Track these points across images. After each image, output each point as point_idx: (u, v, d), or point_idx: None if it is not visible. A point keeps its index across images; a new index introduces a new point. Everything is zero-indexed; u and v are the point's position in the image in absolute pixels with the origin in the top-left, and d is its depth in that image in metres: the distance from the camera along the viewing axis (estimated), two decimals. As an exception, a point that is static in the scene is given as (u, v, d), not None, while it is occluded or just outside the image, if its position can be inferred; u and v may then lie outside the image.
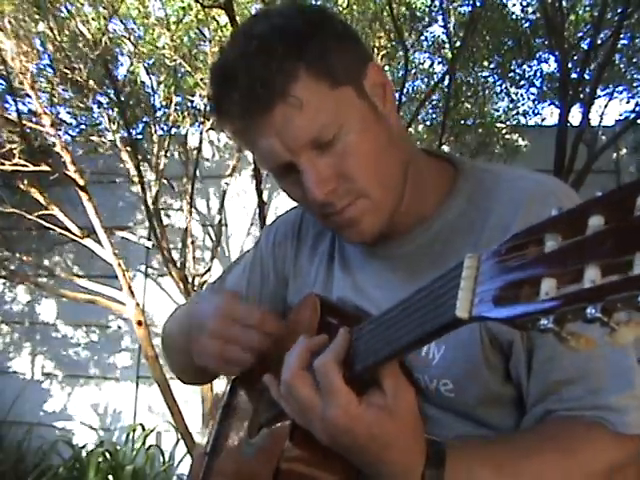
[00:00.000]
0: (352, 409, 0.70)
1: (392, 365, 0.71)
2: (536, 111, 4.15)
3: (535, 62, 3.99)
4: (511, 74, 4.02)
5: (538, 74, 4.02)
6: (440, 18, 3.86)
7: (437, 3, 3.85)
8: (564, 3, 3.58)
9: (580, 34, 3.85)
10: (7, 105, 3.90)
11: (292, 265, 1.11)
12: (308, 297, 0.97)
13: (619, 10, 3.40)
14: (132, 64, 4.02)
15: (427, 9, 3.91)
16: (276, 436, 0.88)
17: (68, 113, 4.25)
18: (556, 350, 0.82)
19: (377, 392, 0.71)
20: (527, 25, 3.86)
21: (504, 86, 4.09)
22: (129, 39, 3.87)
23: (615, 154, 4.01)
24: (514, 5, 3.87)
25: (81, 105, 3.97)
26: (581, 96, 3.55)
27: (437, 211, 0.93)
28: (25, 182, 3.87)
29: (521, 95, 4.10)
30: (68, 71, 3.72)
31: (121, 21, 3.86)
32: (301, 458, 0.82)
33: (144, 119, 4.22)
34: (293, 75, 0.79)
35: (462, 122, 4.08)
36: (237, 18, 3.09)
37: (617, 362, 0.83)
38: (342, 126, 0.82)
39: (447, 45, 3.90)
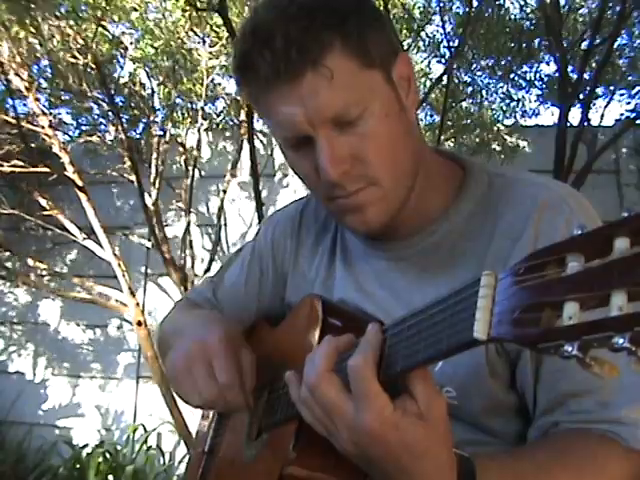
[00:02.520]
0: (387, 415, 0.65)
1: (423, 371, 0.66)
2: (537, 112, 4.14)
3: (534, 63, 3.97)
4: (511, 75, 4.00)
5: (538, 75, 4.00)
6: (437, 18, 3.85)
7: (434, 4, 3.84)
8: (562, 2, 3.57)
9: (579, 34, 3.83)
10: (6, 106, 3.87)
11: (292, 261, 1.10)
12: (307, 298, 0.95)
13: (618, 9, 3.39)
14: (128, 63, 4.00)
15: (423, 9, 3.90)
16: (278, 443, 0.87)
17: (68, 114, 4.24)
18: (566, 362, 0.81)
19: (408, 399, 0.66)
20: (526, 25, 3.84)
21: (505, 88, 4.07)
22: (130, 43, 3.85)
23: (615, 154, 4.00)
24: (512, 4, 3.85)
25: (80, 106, 3.95)
26: (580, 96, 3.54)
27: (443, 215, 0.92)
28: (25, 183, 3.85)
29: (522, 97, 4.08)
30: (62, 80, 3.69)
31: (119, 18, 3.83)
32: (305, 466, 0.81)
33: (143, 120, 4.20)
34: (329, 46, 0.79)
35: (462, 122, 4.07)
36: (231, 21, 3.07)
37: (627, 374, 0.82)
38: (366, 108, 0.81)
39: (444, 45, 3.90)
